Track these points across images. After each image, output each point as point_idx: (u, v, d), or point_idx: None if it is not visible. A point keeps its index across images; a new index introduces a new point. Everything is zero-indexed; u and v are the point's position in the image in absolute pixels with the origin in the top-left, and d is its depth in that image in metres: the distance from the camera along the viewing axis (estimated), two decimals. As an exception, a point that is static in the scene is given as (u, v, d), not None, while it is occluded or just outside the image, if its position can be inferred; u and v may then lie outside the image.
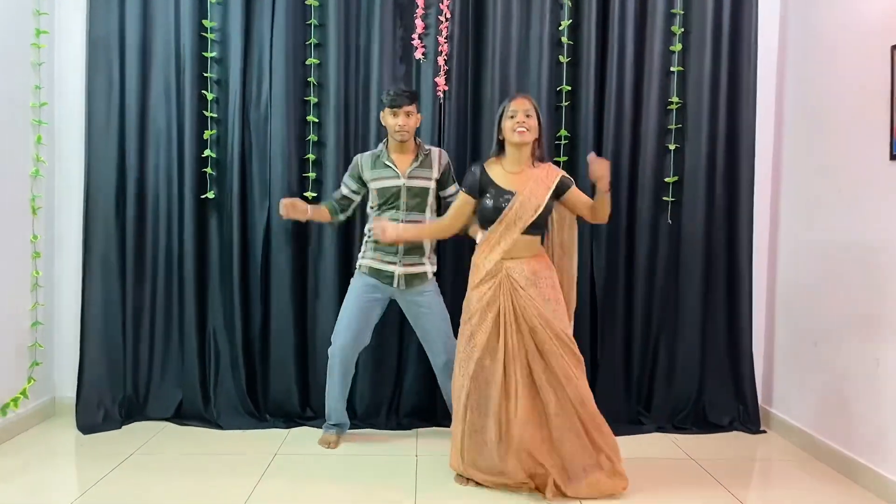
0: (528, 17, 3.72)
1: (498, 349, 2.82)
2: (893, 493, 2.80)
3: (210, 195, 3.69)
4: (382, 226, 3.01)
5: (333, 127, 3.70)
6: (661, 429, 3.70)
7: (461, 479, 2.95)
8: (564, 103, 3.71)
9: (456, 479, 2.97)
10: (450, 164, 3.43)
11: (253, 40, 3.71)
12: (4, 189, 3.38)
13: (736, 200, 3.74)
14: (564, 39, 3.69)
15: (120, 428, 3.60)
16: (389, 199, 3.30)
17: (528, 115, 2.88)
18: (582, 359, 2.89)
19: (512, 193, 2.89)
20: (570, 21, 3.68)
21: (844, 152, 3.22)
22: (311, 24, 3.68)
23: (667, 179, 3.75)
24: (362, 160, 3.37)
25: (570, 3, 3.68)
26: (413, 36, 3.69)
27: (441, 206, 3.48)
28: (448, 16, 3.66)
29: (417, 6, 3.66)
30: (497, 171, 2.96)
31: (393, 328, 3.66)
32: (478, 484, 2.91)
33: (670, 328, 3.79)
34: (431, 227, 3.21)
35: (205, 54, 3.66)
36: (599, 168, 2.81)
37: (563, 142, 3.70)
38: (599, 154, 3.68)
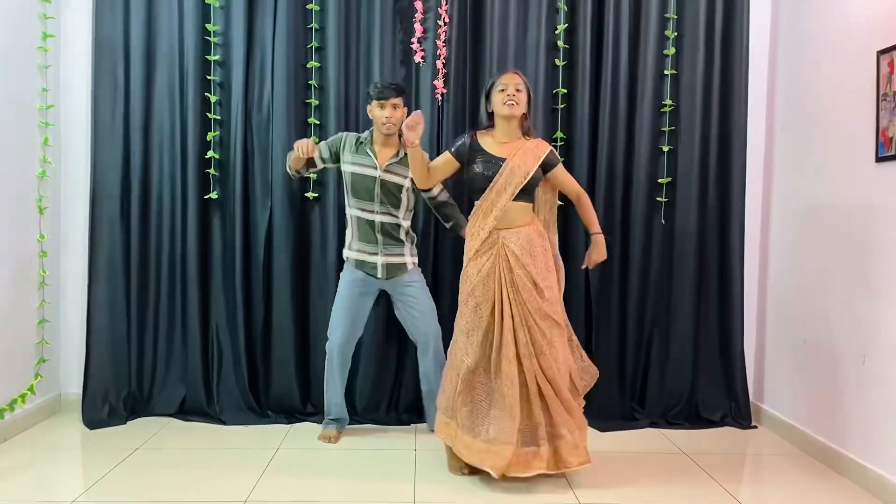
0: (525, 22, 3.79)
1: (504, 317, 2.89)
2: (879, 485, 2.88)
3: (213, 195, 3.76)
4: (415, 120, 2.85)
5: (333, 129, 3.75)
6: (654, 424, 3.77)
7: (456, 467, 3.03)
8: (560, 106, 3.78)
9: (452, 469, 3.05)
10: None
11: (255, 43, 3.77)
12: (12, 190, 3.44)
13: (728, 201, 3.81)
14: (560, 43, 3.76)
15: (125, 423, 3.65)
16: (362, 189, 3.35)
17: (517, 90, 2.95)
18: (563, 329, 3.00)
19: (502, 160, 2.97)
20: (566, 25, 3.75)
21: (833, 154, 3.30)
22: (311, 27, 3.75)
23: (660, 180, 3.82)
24: (347, 139, 3.42)
25: (566, 8, 3.75)
26: (412, 40, 3.76)
27: (428, 208, 3.58)
28: (447, 20, 3.73)
29: (417, 11, 3.73)
30: (487, 141, 3.03)
31: (393, 325, 3.72)
32: (472, 472, 2.97)
33: (663, 326, 3.86)
34: (423, 169, 3.03)
35: (208, 57, 3.72)
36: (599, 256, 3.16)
37: (559, 143, 3.77)
38: (594, 155, 3.78)
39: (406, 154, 3.37)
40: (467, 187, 3.11)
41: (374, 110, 3.34)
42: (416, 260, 3.50)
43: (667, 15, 3.78)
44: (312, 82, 3.76)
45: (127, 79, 3.73)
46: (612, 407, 3.78)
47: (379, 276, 3.39)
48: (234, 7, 3.73)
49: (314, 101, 3.77)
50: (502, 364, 2.89)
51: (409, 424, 3.72)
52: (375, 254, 3.39)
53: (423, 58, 3.77)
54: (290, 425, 3.70)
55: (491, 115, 3.04)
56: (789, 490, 3.00)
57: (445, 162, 3.07)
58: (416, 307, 3.45)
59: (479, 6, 3.80)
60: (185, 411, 3.79)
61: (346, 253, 3.48)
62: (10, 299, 3.45)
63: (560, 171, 3.13)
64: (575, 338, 3.19)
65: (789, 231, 3.68)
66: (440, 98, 3.78)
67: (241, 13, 3.71)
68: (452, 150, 3.07)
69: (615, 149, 3.80)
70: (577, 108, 3.79)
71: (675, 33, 3.79)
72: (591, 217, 3.19)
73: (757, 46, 3.85)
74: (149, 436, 3.49)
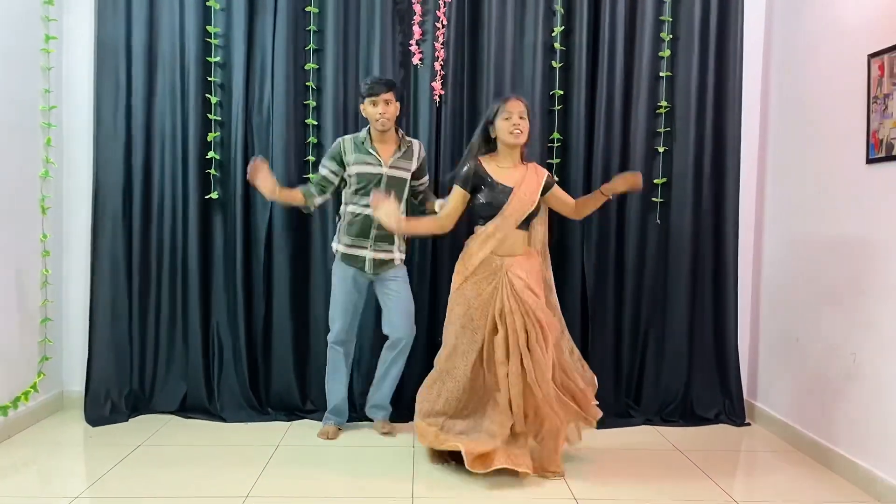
0: (522, 24, 3.83)
1: (501, 341, 2.98)
2: (869, 481, 2.92)
3: (214, 195, 3.79)
4: (379, 199, 2.95)
5: (332, 130, 3.79)
6: (649, 421, 3.82)
7: (437, 457, 3.12)
8: (557, 107, 3.82)
9: (433, 459, 3.14)
10: (425, 159, 3.57)
11: (255, 45, 3.80)
12: (15, 189, 3.48)
13: (722, 201, 3.86)
14: (557, 45, 3.80)
15: (127, 421, 3.69)
16: (369, 187, 3.38)
17: (521, 118, 3.01)
18: (551, 334, 3.06)
19: (508, 188, 3.02)
20: (563, 27, 3.80)
21: (825, 155, 3.34)
22: (310, 29, 3.78)
23: (655, 181, 3.87)
24: (345, 143, 3.44)
25: (562, 11, 3.79)
26: (410, 42, 3.80)
27: (409, 194, 3.60)
28: (445, 22, 3.77)
29: (415, 13, 3.77)
30: (493, 167, 3.07)
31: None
32: (456, 462, 3.04)
33: (659, 324, 3.91)
34: (429, 224, 3.26)
35: (209, 59, 3.76)
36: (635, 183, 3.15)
37: (555, 144, 3.82)
38: (590, 156, 3.82)
39: (408, 148, 3.44)
40: (475, 213, 3.12)
41: (368, 108, 3.37)
42: (403, 256, 3.54)
43: (662, 17, 3.83)
44: (310, 84, 3.80)
45: (129, 80, 3.76)
46: (607, 404, 3.77)
47: (366, 270, 3.43)
48: (235, 9, 3.76)
49: (312, 103, 3.81)
50: (497, 380, 2.99)
51: (407, 422, 3.75)
52: (365, 248, 3.42)
53: (421, 60, 3.81)
54: (289, 423, 3.74)
55: (493, 140, 3.09)
56: (782, 486, 3.04)
57: (461, 200, 3.09)
58: (395, 302, 3.49)
59: (476, 9, 3.83)
60: (186, 409, 3.83)
61: (335, 245, 3.50)
62: (13, 298, 3.48)
63: (558, 190, 3.23)
64: (577, 351, 3.28)
65: (782, 231, 3.73)
66: (438, 100, 3.81)
67: (242, 15, 3.75)
68: (460, 182, 3.07)
69: (611, 149, 3.84)
70: (573, 110, 3.83)
71: (671, 35, 3.83)
72: (588, 197, 3.27)
73: (751, 49, 3.90)
74: (150, 433, 3.52)
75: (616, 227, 3.87)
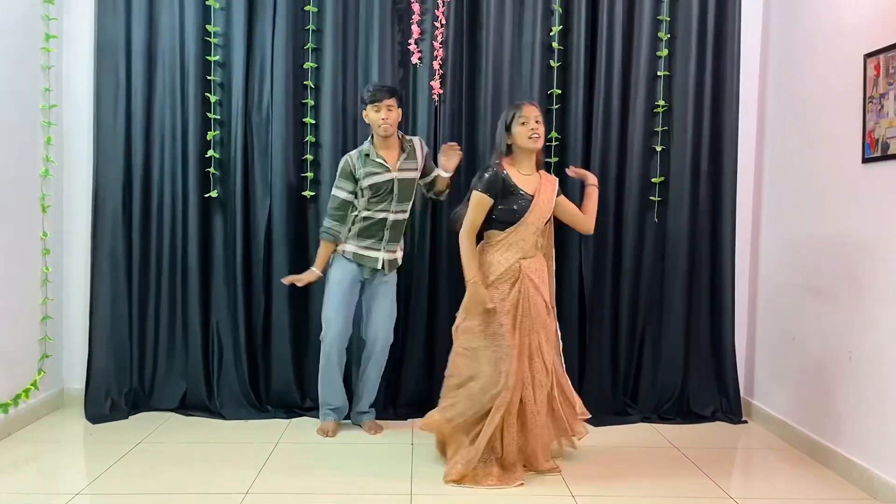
0: (521, 23, 3.85)
1: (523, 346, 2.98)
2: (865, 479, 2.94)
3: (213, 194, 3.81)
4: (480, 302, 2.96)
5: (330, 129, 3.81)
6: (646, 419, 3.83)
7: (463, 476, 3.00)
8: (555, 106, 3.83)
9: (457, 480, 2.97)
10: (429, 154, 3.59)
11: (255, 44, 3.81)
12: (15, 188, 3.49)
13: (719, 200, 3.87)
14: (555, 45, 3.81)
15: (127, 418, 3.70)
16: (383, 194, 3.41)
17: (537, 122, 3.02)
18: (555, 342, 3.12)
19: (529, 196, 3.03)
20: (561, 27, 3.81)
21: (822, 155, 3.36)
22: (309, 29, 3.80)
23: (653, 180, 3.88)
24: (352, 159, 3.45)
25: (560, 10, 3.80)
26: (409, 41, 3.81)
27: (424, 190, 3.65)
28: (443, 22, 3.78)
29: (414, 12, 3.78)
30: (514, 174, 3.06)
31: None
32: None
33: (656, 323, 3.93)
34: (471, 250, 3.05)
35: (208, 58, 3.77)
36: (579, 173, 3.32)
37: (553, 143, 3.83)
38: (588, 155, 3.84)
39: (411, 148, 3.47)
40: (492, 218, 3.04)
41: (370, 114, 3.38)
42: (402, 255, 3.61)
43: (660, 17, 3.84)
44: (309, 83, 3.81)
45: (128, 79, 3.77)
46: (605, 402, 3.84)
47: (379, 268, 3.45)
48: (235, 8, 3.77)
49: (310, 102, 3.82)
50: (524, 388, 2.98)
51: (406, 419, 3.77)
52: (378, 250, 3.45)
53: (419, 59, 3.82)
54: (289, 420, 3.76)
55: (509, 146, 3.08)
56: (778, 484, 3.06)
57: (485, 207, 3.02)
58: (383, 307, 3.53)
59: (475, 8, 3.85)
60: (186, 406, 3.84)
61: (342, 247, 3.47)
62: (14, 296, 3.50)
63: (565, 199, 3.24)
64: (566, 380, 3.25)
65: (779, 230, 3.74)
66: (437, 99, 3.83)
67: (241, 14, 3.76)
68: (484, 190, 3.00)
69: (609, 149, 3.85)
70: (571, 109, 3.84)
71: (668, 35, 3.84)
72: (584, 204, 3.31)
73: (748, 49, 3.92)
74: (150, 430, 3.54)
75: (613, 225, 3.88)
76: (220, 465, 3.11)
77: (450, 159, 3.47)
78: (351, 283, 3.48)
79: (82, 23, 3.80)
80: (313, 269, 3.49)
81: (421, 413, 3.75)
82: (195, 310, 3.83)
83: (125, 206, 3.79)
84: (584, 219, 3.26)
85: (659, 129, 3.88)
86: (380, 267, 3.46)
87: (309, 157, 3.83)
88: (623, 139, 3.88)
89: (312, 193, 3.83)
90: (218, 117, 3.81)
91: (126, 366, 3.82)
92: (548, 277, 3.17)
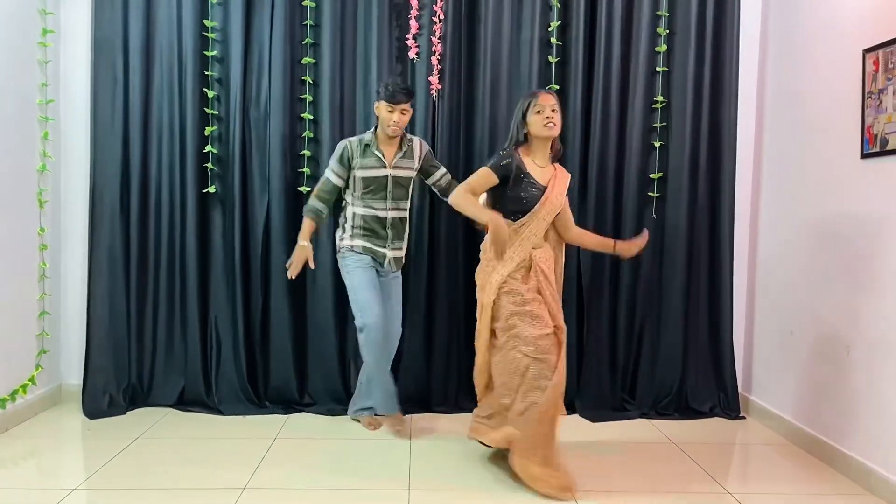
0: (519, 19, 3.84)
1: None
2: (864, 474, 2.94)
3: (211, 190, 3.80)
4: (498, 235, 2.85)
5: (328, 124, 3.80)
6: (644, 415, 3.83)
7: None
8: (556, 98, 3.81)
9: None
10: (430, 152, 3.57)
11: (253, 39, 3.81)
12: (12, 183, 3.48)
13: (718, 196, 3.87)
14: (554, 40, 3.80)
15: (125, 414, 3.70)
16: (376, 189, 3.40)
17: (553, 111, 2.98)
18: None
19: (541, 186, 3.01)
20: (559, 22, 3.80)
21: (820, 150, 3.36)
22: (307, 24, 3.79)
23: (652, 175, 3.88)
24: (351, 146, 3.43)
25: (559, 5, 3.79)
26: (407, 36, 3.80)
27: (426, 191, 3.65)
28: (441, 17, 3.77)
29: (412, 7, 3.77)
30: (530, 164, 3.03)
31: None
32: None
33: (654, 318, 3.93)
34: (472, 201, 3.01)
35: (206, 53, 3.76)
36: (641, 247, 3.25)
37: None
38: (587, 151, 3.83)
39: (409, 147, 3.45)
40: (502, 206, 2.99)
41: (383, 111, 3.34)
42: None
43: (658, 12, 3.83)
44: (307, 78, 3.80)
45: (126, 74, 3.76)
46: (603, 398, 3.85)
47: (385, 267, 3.45)
48: (232, 3, 3.76)
49: (308, 97, 3.81)
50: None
51: (404, 415, 3.76)
52: (384, 247, 3.45)
53: (417, 54, 3.81)
54: (287, 416, 3.75)
55: (525, 135, 3.04)
56: (776, 479, 3.05)
57: (487, 181, 2.98)
58: (394, 304, 3.53)
59: (473, 3, 3.84)
60: (184, 402, 3.84)
61: (348, 243, 3.44)
62: (11, 291, 3.49)
63: (566, 205, 3.19)
64: None
65: (777, 225, 3.74)
66: (435, 94, 3.82)
67: (239, 9, 3.75)
68: (492, 166, 2.97)
69: (607, 144, 3.85)
70: (569, 105, 3.83)
71: (667, 30, 3.84)
72: (596, 237, 3.28)
73: (747, 44, 3.91)
74: (148, 426, 3.53)
75: (612, 220, 3.88)
76: (218, 460, 3.11)
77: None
78: (370, 268, 3.43)
79: (79, 17, 3.79)
80: (300, 242, 3.39)
81: (418, 408, 3.79)
82: (193, 305, 3.82)
83: (123, 202, 3.78)
84: (576, 232, 3.21)
85: (658, 124, 3.87)
86: (385, 265, 3.45)
87: (307, 152, 3.82)
88: (622, 135, 3.88)
89: (309, 189, 3.82)
90: (216, 113, 3.80)
91: (124, 361, 3.82)
92: (556, 269, 3.14)
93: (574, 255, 3.82)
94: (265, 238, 3.83)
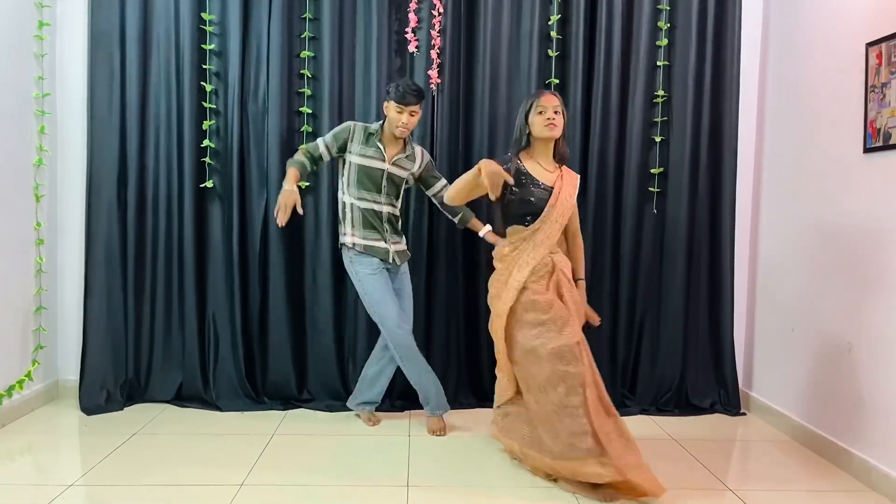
0: (519, 12, 3.82)
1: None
2: (865, 470, 2.93)
3: (209, 184, 3.78)
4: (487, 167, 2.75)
5: (327, 118, 3.78)
6: (644, 411, 3.83)
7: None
8: (559, 100, 3.79)
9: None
10: (431, 162, 3.56)
11: (251, 32, 3.78)
12: (8, 177, 3.46)
13: (719, 191, 3.85)
14: (553, 34, 3.78)
15: (122, 410, 3.68)
16: (370, 181, 3.37)
17: (556, 112, 2.95)
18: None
19: (549, 188, 2.96)
20: (559, 16, 3.78)
21: (822, 145, 3.33)
22: (306, 17, 3.76)
23: (652, 170, 3.86)
24: (355, 129, 3.40)
25: (559, -1, 3.78)
26: (406, 29, 3.78)
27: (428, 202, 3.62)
28: (441, 10, 3.75)
29: (411, 0, 3.75)
30: (534, 167, 2.99)
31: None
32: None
33: (654, 314, 3.91)
34: (472, 188, 2.93)
35: (204, 46, 3.73)
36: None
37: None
38: (587, 145, 3.81)
39: (411, 152, 3.43)
40: (510, 211, 3.00)
41: (392, 111, 3.31)
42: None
43: (659, 6, 3.81)
44: (305, 72, 3.78)
45: (123, 67, 3.73)
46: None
47: (390, 261, 3.42)
48: (230, -4, 3.74)
49: (307, 91, 3.78)
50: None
51: (403, 411, 3.76)
52: (385, 241, 3.42)
53: (417, 47, 3.79)
54: (285, 412, 3.74)
55: (527, 136, 3.01)
56: (777, 476, 3.04)
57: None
58: (407, 301, 3.51)
59: (473, -4, 3.82)
60: (181, 398, 3.82)
61: (350, 239, 3.41)
62: (7, 286, 3.47)
63: (575, 207, 3.16)
64: None
65: (779, 220, 3.72)
66: (434, 88, 3.80)
67: (237, 2, 3.72)
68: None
69: (607, 139, 3.83)
70: (569, 99, 3.81)
71: (668, 24, 3.81)
72: (581, 260, 3.18)
73: (749, 38, 3.89)
74: (145, 422, 3.52)
75: (612, 216, 3.86)
76: (215, 456, 3.09)
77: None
78: (382, 273, 3.41)
79: (76, 10, 3.76)
80: (286, 187, 3.26)
81: (417, 405, 3.75)
82: (191, 300, 3.80)
83: (120, 196, 3.76)
84: (572, 241, 3.16)
85: (658, 119, 3.85)
86: (390, 260, 3.42)
87: (305, 147, 3.79)
88: (622, 130, 3.86)
89: (307, 184, 3.80)
90: (213, 106, 3.78)
91: (121, 357, 3.80)
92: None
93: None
94: (263, 233, 3.81)
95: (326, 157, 3.43)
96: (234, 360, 3.81)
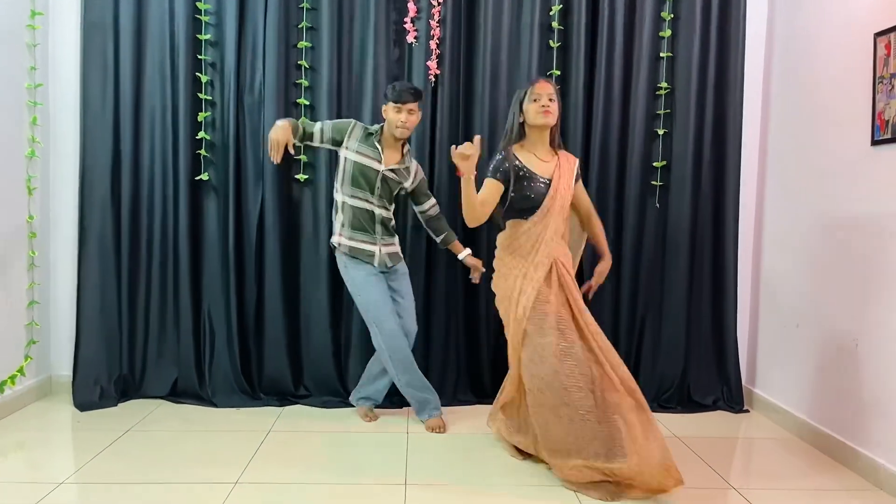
0: (520, 2, 3.77)
1: (579, 329, 2.82)
2: (871, 470, 2.88)
3: (204, 177, 3.72)
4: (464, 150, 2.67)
5: (325, 111, 3.72)
6: (646, 408, 3.78)
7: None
8: (554, 88, 3.74)
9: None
10: (424, 180, 3.51)
11: (247, 22, 3.72)
12: (0, 170, 3.40)
13: (722, 185, 3.80)
14: (555, 24, 3.72)
15: (116, 406, 3.64)
16: (364, 181, 3.31)
17: (550, 99, 2.89)
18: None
19: (547, 180, 2.91)
20: (561, 6, 3.72)
21: (829, 137, 3.28)
22: (304, 6, 3.70)
23: (655, 164, 3.81)
24: (355, 128, 3.35)
25: (560, -11, 3.72)
26: (405, 19, 3.72)
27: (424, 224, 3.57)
28: (440, 0, 3.69)
29: (410, -11, 3.70)
30: (529, 158, 2.93)
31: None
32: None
33: (656, 309, 3.86)
34: (475, 200, 2.83)
35: (199, 36, 3.68)
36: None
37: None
38: (588, 138, 3.76)
39: (408, 165, 3.38)
40: (509, 207, 2.94)
41: (390, 112, 3.28)
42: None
43: (663, -4, 3.76)
44: (303, 63, 3.72)
45: (117, 57, 3.68)
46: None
47: (376, 264, 3.36)
48: (226, -15, 3.67)
49: (305, 83, 3.73)
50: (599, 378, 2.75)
51: (401, 407, 3.71)
52: (374, 244, 3.36)
53: (416, 38, 3.73)
54: (282, 408, 3.70)
55: (521, 126, 2.95)
56: (781, 475, 2.99)
57: (496, 192, 2.89)
58: (406, 301, 3.46)
59: (473, -15, 3.76)
60: (176, 393, 3.78)
61: (336, 239, 3.39)
62: (0, 281, 3.42)
63: (580, 185, 3.12)
64: None
65: (783, 214, 3.67)
66: (433, 80, 3.74)
67: (233, -9, 3.66)
68: (497, 175, 2.88)
69: (609, 132, 3.78)
70: (571, 91, 3.76)
71: (672, 15, 3.75)
72: (603, 237, 3.20)
73: (754, 28, 3.83)
74: (140, 418, 3.47)
75: (614, 210, 3.81)
76: (210, 454, 3.05)
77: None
78: (376, 277, 3.36)
79: (69, -1, 3.70)
80: (277, 123, 3.21)
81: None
82: (186, 295, 3.75)
83: (113, 189, 3.71)
84: (588, 221, 3.15)
85: (661, 111, 3.80)
86: (376, 263, 3.36)
87: (303, 139, 3.75)
88: (624, 122, 3.81)
89: (306, 177, 3.75)
90: (209, 98, 3.73)
91: (115, 352, 3.75)
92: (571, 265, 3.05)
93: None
94: (259, 226, 3.76)
95: (316, 139, 3.35)
96: (230, 356, 3.76)
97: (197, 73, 3.69)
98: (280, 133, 3.15)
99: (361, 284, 3.35)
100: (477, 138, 2.76)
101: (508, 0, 3.73)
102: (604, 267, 3.20)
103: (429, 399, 3.44)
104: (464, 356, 3.86)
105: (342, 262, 3.41)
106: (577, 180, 3.05)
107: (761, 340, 3.86)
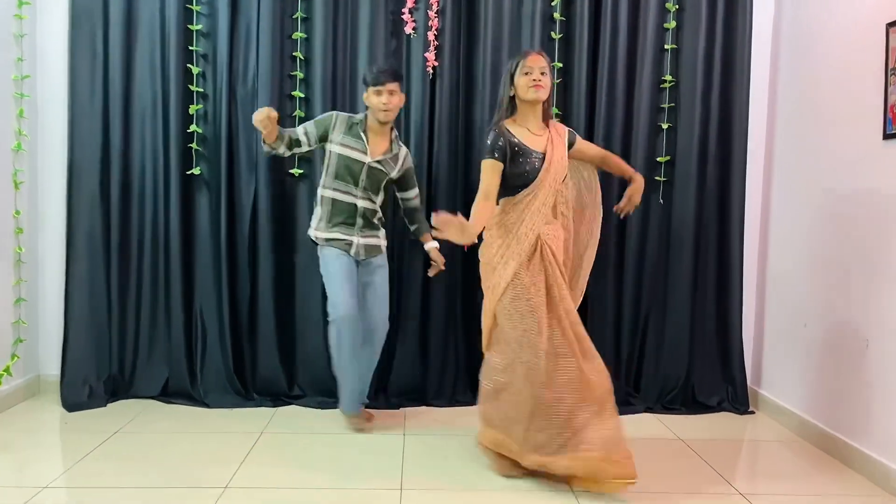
0: (521, -8, 3.68)
1: (552, 321, 2.73)
2: (880, 473, 2.80)
3: (196, 171, 3.65)
4: (444, 221, 2.52)
5: (320, 103, 3.65)
6: (649, 409, 3.72)
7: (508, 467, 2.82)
8: (556, 80, 3.66)
9: (502, 469, 2.82)
10: (412, 169, 3.41)
11: (240, 13, 3.65)
12: (-15, 163, 3.34)
13: (728, 180, 3.73)
14: (557, 15, 3.65)
15: (105, 406, 3.57)
16: (350, 173, 3.22)
17: (543, 73, 2.79)
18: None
19: (541, 154, 2.82)
20: (563, -4, 3.65)
21: (838, 132, 3.20)
22: (298, -4, 3.63)
23: (659, 159, 3.73)
24: (338, 119, 3.26)
25: (563, -22, 3.63)
26: (403, 10, 3.64)
27: (396, 204, 3.48)
28: (439, -10, 3.62)
29: (407, -21, 3.61)
30: (522, 133, 2.83)
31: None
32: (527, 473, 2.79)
33: (660, 308, 3.79)
34: (484, 210, 2.76)
35: (190, 27, 3.60)
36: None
37: (555, 119, 3.66)
38: (591, 132, 3.69)
39: (396, 152, 3.28)
40: (506, 184, 2.81)
41: (371, 97, 3.18)
42: (386, 243, 3.42)
43: (668, -13, 3.67)
44: (297, 54, 3.64)
45: (106, 48, 3.60)
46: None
47: (352, 253, 3.27)
48: (219, -26, 3.59)
49: (299, 74, 3.64)
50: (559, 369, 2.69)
51: (398, 408, 3.65)
52: (352, 235, 3.27)
53: (413, 29, 3.65)
54: (275, 408, 3.63)
55: (512, 99, 2.85)
56: (788, 477, 2.92)
57: (497, 172, 2.77)
58: (378, 293, 3.35)
59: (472, -25, 3.68)
60: (167, 393, 3.71)
61: (312, 232, 3.30)
62: (-15, 277, 3.35)
63: (581, 142, 3.02)
64: None
65: (791, 212, 3.59)
66: (432, 72, 3.65)
67: (226, -20, 3.58)
68: (495, 154, 2.76)
69: (612, 126, 3.71)
70: (573, 83, 3.69)
71: (676, 6, 3.68)
72: (623, 164, 3.16)
73: (761, 19, 3.75)
74: (129, 418, 3.41)
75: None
76: (200, 456, 2.98)
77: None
78: (346, 259, 3.25)
79: (57, -12, 3.62)
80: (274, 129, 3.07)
81: (413, 402, 3.65)
82: (177, 292, 3.68)
83: (103, 183, 3.63)
84: (611, 157, 3.15)
85: (665, 105, 3.72)
86: (352, 252, 3.26)
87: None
88: (628, 116, 3.73)
89: (301, 171, 3.66)
90: (201, 90, 3.65)
91: (105, 351, 3.68)
92: (567, 246, 2.97)
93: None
94: (252, 222, 3.68)
95: (304, 142, 3.24)
96: (223, 355, 3.69)
97: (188, 65, 3.61)
98: (259, 114, 2.99)
99: (328, 258, 3.25)
100: (440, 214, 2.57)
101: (509, -10, 3.65)
102: (636, 187, 3.08)
103: (347, 393, 3.30)
104: (463, 355, 3.78)
105: (319, 249, 3.31)
106: (572, 145, 2.95)
107: (767, 340, 3.79)
